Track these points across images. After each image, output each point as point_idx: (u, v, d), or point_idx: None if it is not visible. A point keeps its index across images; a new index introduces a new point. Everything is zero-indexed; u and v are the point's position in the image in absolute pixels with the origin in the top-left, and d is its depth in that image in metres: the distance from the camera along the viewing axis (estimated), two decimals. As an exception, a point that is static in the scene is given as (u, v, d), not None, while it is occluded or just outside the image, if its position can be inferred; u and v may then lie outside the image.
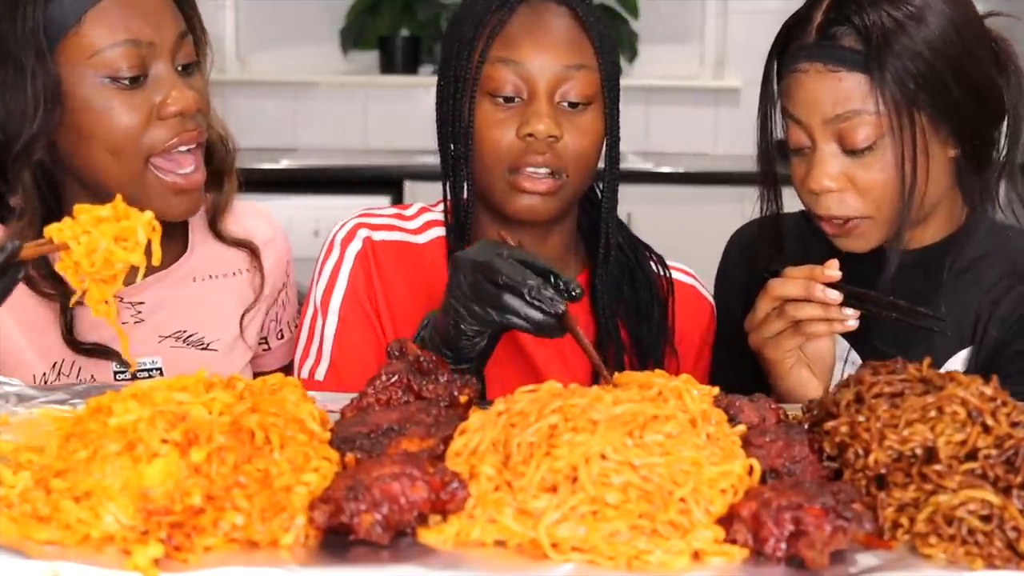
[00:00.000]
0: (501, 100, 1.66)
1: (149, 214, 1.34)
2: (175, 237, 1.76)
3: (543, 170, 1.64)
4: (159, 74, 1.61)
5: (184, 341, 1.76)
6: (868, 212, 1.61)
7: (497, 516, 1.04)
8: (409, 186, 4.13)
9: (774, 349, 1.59)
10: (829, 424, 1.17)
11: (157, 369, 1.72)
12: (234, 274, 1.82)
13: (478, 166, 1.68)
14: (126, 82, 1.58)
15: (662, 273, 1.83)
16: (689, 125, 4.74)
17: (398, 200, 4.04)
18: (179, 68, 1.63)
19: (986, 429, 1.10)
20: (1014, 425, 1.10)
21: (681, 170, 4.31)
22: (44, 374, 1.66)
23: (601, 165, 1.74)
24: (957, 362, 1.66)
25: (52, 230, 1.32)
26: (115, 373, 1.69)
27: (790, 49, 1.63)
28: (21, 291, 1.64)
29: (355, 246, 1.75)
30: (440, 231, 1.79)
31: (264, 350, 1.90)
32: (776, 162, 1.72)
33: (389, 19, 4.69)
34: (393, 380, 1.28)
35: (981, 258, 1.68)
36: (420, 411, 1.21)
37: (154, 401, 1.10)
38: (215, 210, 1.80)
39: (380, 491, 1.02)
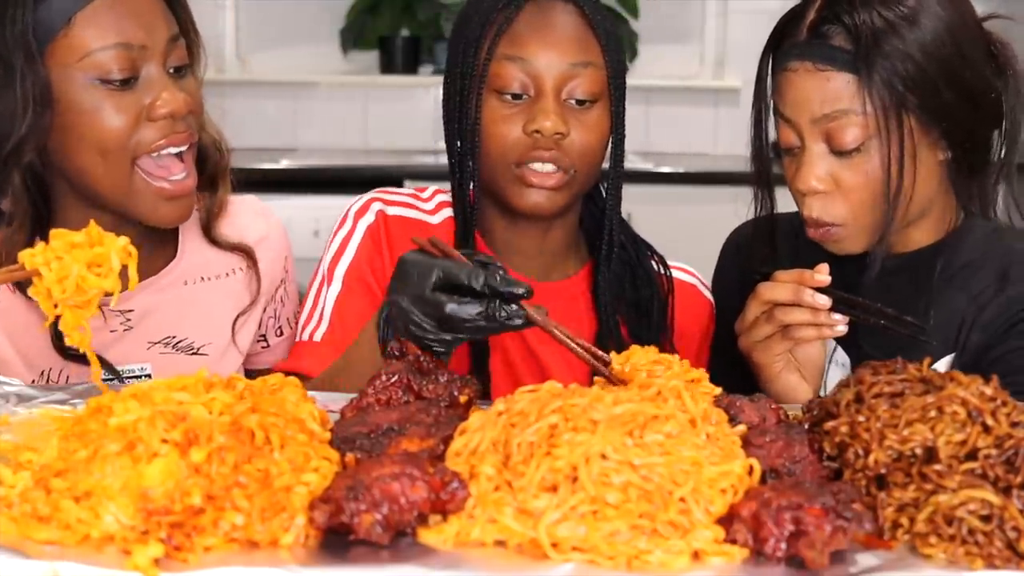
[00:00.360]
0: (508, 97, 1.66)
1: (124, 240, 1.32)
2: (165, 242, 1.75)
3: (550, 166, 1.65)
4: (150, 76, 1.59)
5: (174, 347, 1.74)
6: (844, 220, 1.59)
7: (497, 516, 1.03)
8: (409, 186, 4.12)
9: (763, 353, 1.58)
10: (829, 424, 1.17)
11: (147, 376, 1.71)
12: (228, 275, 1.81)
13: (485, 162, 1.69)
14: (116, 84, 1.57)
15: (663, 271, 1.83)
16: (689, 125, 4.74)
17: (398, 200, 4.04)
18: (171, 71, 1.62)
19: (986, 429, 1.10)
20: (1014, 425, 1.10)
21: (681, 170, 4.31)
22: (33, 381, 1.63)
23: (605, 164, 1.74)
24: (941, 367, 1.63)
25: (25, 256, 1.30)
26: (104, 382, 1.68)
27: (783, 47, 1.63)
28: (10, 298, 1.63)
29: (367, 219, 1.78)
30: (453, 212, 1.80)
31: (263, 347, 1.88)
32: (772, 161, 1.72)
33: (389, 19, 4.69)
34: (393, 380, 1.28)
35: (972, 263, 1.65)
36: (420, 411, 1.21)
37: (154, 401, 1.10)
38: (208, 215, 1.78)
39: (380, 491, 1.02)
